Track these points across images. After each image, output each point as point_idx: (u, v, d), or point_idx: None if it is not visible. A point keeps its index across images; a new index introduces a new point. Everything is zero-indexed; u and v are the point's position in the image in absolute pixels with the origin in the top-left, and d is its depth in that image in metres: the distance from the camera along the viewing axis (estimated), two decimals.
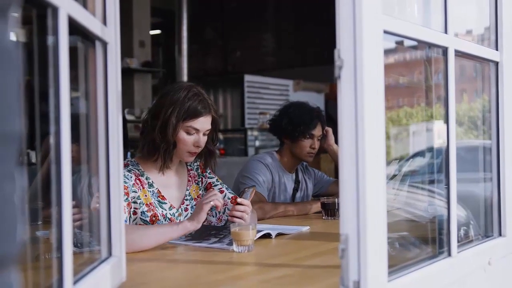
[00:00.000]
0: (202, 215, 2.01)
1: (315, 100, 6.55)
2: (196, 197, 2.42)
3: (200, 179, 2.46)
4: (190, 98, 2.22)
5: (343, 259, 1.20)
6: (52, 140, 1.01)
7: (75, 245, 1.22)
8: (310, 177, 3.29)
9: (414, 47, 1.76)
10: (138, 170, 2.27)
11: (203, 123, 2.26)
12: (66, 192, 1.02)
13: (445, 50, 1.56)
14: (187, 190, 2.40)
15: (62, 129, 1.01)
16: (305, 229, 2.41)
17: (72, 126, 1.05)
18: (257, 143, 7.58)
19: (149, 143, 2.25)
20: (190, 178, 2.43)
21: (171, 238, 2.00)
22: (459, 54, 1.61)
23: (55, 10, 1.00)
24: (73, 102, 1.08)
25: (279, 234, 2.24)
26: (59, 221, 1.01)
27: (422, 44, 1.64)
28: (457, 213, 1.61)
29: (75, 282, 1.09)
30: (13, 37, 0.60)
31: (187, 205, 2.38)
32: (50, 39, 1.01)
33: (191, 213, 2.34)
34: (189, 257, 1.84)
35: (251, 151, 7.35)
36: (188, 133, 2.24)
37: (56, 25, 1.00)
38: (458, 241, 1.60)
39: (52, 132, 1.01)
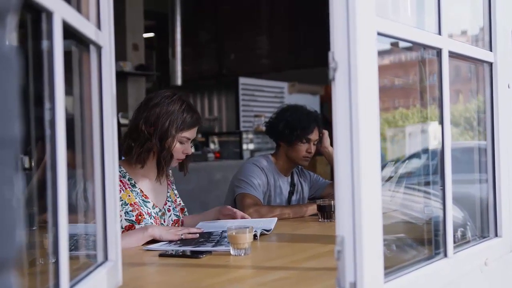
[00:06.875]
0: (157, 234, 2.12)
1: (310, 102, 6.56)
2: (173, 200, 2.52)
3: (174, 186, 2.58)
4: (185, 110, 2.33)
5: (339, 260, 1.20)
6: (47, 144, 1.01)
7: (70, 249, 1.22)
8: (306, 180, 3.29)
9: (408, 48, 1.76)
10: (120, 172, 2.29)
11: (195, 132, 2.39)
12: (61, 197, 1.01)
13: (439, 52, 1.56)
14: (168, 192, 2.50)
15: (57, 134, 1.01)
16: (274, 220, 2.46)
17: (66, 131, 1.05)
18: (252, 146, 7.55)
19: (146, 152, 2.30)
20: (169, 182, 2.54)
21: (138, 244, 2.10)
22: (453, 55, 1.62)
23: (49, 14, 1.00)
24: (67, 106, 1.08)
25: (262, 234, 2.26)
26: (55, 226, 1.00)
27: (416, 46, 1.65)
28: (454, 214, 1.61)
29: (72, 287, 1.09)
30: (11, 42, 0.60)
31: (169, 206, 2.48)
32: (44, 43, 1.01)
33: (174, 214, 2.47)
34: (186, 261, 1.83)
35: (246, 154, 7.33)
36: (181, 142, 2.34)
37: (51, 29, 1.00)
38: (455, 242, 1.60)
39: (47, 136, 1.01)
